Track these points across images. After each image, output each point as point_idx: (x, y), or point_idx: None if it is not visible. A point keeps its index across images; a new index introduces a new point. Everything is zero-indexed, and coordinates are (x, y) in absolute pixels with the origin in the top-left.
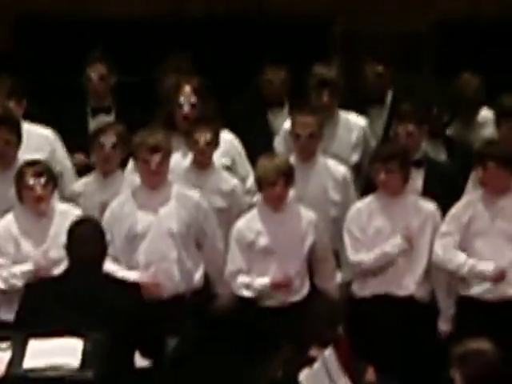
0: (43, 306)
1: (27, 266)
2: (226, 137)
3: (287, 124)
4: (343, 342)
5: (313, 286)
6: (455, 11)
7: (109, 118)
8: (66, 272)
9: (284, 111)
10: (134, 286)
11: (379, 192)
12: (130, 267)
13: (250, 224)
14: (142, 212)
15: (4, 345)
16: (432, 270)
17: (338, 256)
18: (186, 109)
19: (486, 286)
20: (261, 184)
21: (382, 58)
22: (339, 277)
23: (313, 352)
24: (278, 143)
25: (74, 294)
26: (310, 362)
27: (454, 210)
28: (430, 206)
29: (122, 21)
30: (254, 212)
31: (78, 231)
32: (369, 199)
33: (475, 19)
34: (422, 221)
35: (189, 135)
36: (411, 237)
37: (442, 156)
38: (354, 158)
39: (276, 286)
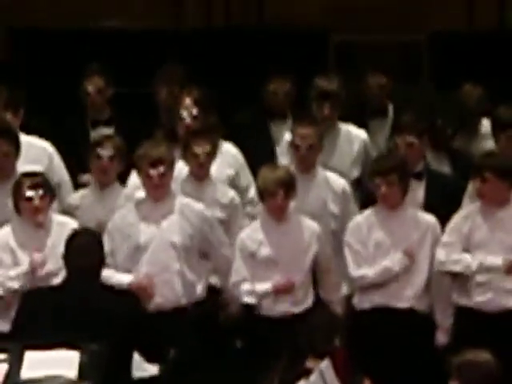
0: (40, 316)
1: (22, 268)
2: (230, 149)
3: (288, 135)
4: (340, 353)
5: (318, 297)
6: (453, 22)
7: (109, 130)
8: (64, 282)
9: (288, 123)
10: (132, 296)
11: (379, 205)
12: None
13: (252, 234)
14: (144, 224)
15: (1, 356)
16: (432, 281)
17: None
18: (188, 121)
19: (488, 296)
20: (262, 195)
21: (384, 69)
22: (345, 289)
23: (309, 363)
24: (281, 154)
25: (72, 304)
26: (307, 373)
27: (453, 222)
28: (429, 219)
29: (121, 32)
30: (257, 222)
31: (76, 242)
32: (368, 212)
33: (473, 30)
34: (422, 233)
35: (187, 148)
36: (413, 253)
37: (445, 168)
38: (355, 170)
39: (278, 291)
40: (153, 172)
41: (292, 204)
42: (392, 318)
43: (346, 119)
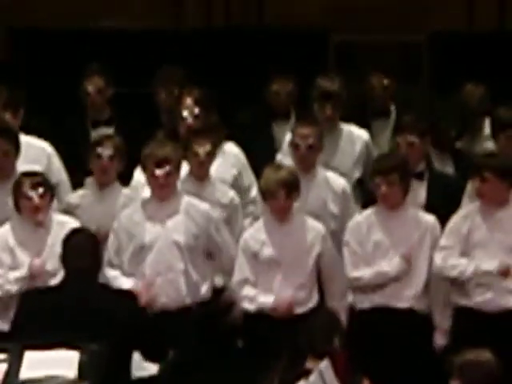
0: (39, 316)
1: (21, 272)
2: (233, 149)
3: (289, 136)
4: (339, 354)
5: (322, 297)
6: (453, 22)
7: (109, 130)
8: (62, 283)
9: (290, 123)
10: (131, 296)
11: (379, 205)
12: (137, 278)
13: (255, 234)
14: (150, 223)
15: (0, 356)
16: (431, 282)
17: None
18: (190, 121)
19: (488, 296)
20: (264, 195)
21: (384, 69)
22: (350, 298)
23: (309, 364)
24: (283, 154)
25: (70, 304)
26: (306, 373)
27: (452, 222)
28: (429, 219)
29: (122, 32)
30: (260, 222)
31: (73, 242)
32: (368, 212)
33: (473, 30)
34: (422, 234)
35: (188, 147)
36: (410, 257)
37: (449, 169)
38: (357, 171)
39: (275, 310)
40: (158, 172)
41: (296, 204)
42: (391, 318)
43: (348, 120)
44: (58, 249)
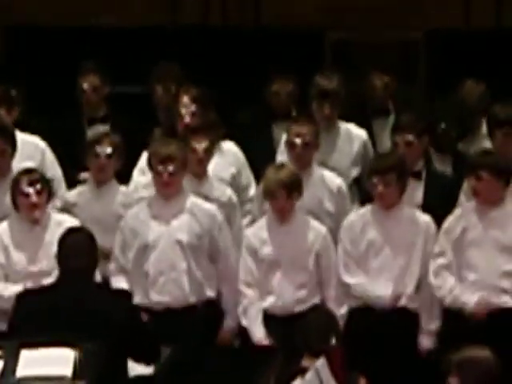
0: (35, 316)
1: (18, 288)
2: (231, 148)
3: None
4: (335, 352)
5: None
6: (450, 20)
7: (105, 128)
8: (57, 282)
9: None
10: (128, 296)
11: (375, 204)
12: (141, 277)
13: (257, 232)
14: (154, 222)
15: None
16: (422, 283)
17: None
18: (187, 119)
19: (479, 295)
20: (265, 195)
21: (381, 68)
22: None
23: (305, 362)
24: (281, 154)
25: (66, 304)
26: (303, 372)
27: (447, 222)
28: (424, 219)
29: (118, 30)
30: (263, 221)
31: (69, 241)
32: (363, 211)
33: (471, 28)
34: (416, 233)
35: (186, 144)
36: (398, 298)
37: (449, 170)
38: (355, 169)
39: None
40: (162, 169)
41: (298, 204)
42: (384, 317)
43: (348, 119)
44: (54, 248)
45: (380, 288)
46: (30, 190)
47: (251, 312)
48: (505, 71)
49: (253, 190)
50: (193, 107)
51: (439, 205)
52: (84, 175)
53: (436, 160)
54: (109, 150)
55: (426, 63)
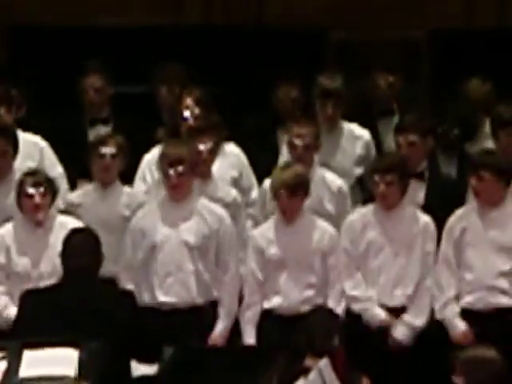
0: (39, 315)
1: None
2: (233, 149)
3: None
4: (338, 352)
5: None
6: (452, 20)
7: (107, 129)
8: (61, 281)
9: None
10: (130, 296)
11: (376, 204)
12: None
13: (264, 232)
14: (163, 223)
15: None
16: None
17: None
18: (191, 121)
19: (477, 295)
20: (271, 194)
21: (383, 67)
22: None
23: (308, 362)
24: (282, 156)
25: (69, 304)
26: (305, 371)
27: (449, 222)
28: (424, 219)
29: (120, 30)
30: (271, 221)
31: (73, 241)
32: (364, 210)
33: (472, 27)
34: (415, 233)
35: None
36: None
37: (454, 171)
38: (357, 169)
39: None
40: (171, 171)
41: (306, 204)
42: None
43: (352, 119)
44: (58, 250)
45: (376, 310)
46: (34, 192)
47: (248, 315)
48: (507, 70)
49: (255, 193)
50: (196, 110)
51: (440, 206)
52: (83, 184)
53: (441, 161)
54: (113, 150)
55: (428, 63)
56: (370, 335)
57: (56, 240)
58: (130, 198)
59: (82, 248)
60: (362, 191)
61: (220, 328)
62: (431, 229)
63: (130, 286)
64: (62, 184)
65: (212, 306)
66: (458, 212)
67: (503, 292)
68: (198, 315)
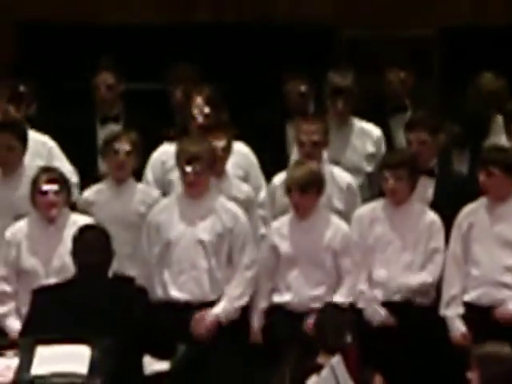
0: (51, 312)
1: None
2: (242, 149)
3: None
4: (351, 349)
5: None
6: (463, 17)
7: (117, 127)
8: (73, 278)
9: None
10: (143, 292)
11: (386, 199)
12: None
13: (279, 228)
14: (179, 220)
15: (12, 352)
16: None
17: None
18: (200, 119)
19: (483, 290)
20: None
21: (394, 64)
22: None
23: (320, 359)
24: (293, 153)
25: (81, 301)
26: (318, 369)
27: (458, 218)
28: (430, 216)
29: (131, 28)
30: (287, 217)
31: (84, 238)
32: (374, 205)
33: (483, 25)
34: (421, 230)
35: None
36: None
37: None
38: (368, 166)
39: None
40: (188, 169)
41: (322, 201)
42: (392, 312)
43: (364, 116)
44: (68, 248)
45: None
46: (48, 188)
47: (258, 304)
48: None
49: (263, 193)
50: (206, 109)
51: (449, 202)
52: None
53: (454, 158)
54: (128, 147)
55: (439, 60)
56: (381, 332)
57: (68, 238)
58: (145, 195)
59: (95, 245)
60: (372, 189)
61: (216, 309)
62: (437, 226)
63: (145, 283)
64: (73, 178)
65: None
66: (467, 208)
67: (508, 287)
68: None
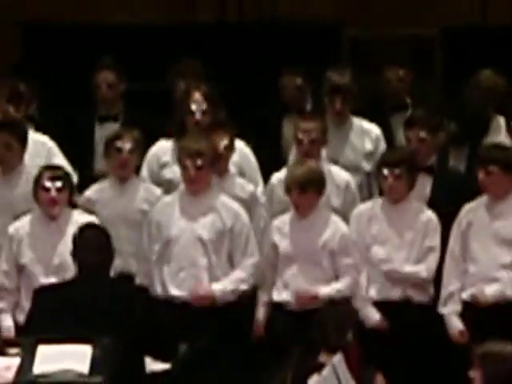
0: (52, 311)
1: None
2: (239, 148)
3: None
4: (352, 348)
5: None
6: (466, 16)
7: (115, 126)
8: (74, 278)
9: None
10: (144, 291)
11: (384, 197)
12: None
13: (280, 225)
14: (179, 217)
15: (14, 350)
16: None
17: None
18: (198, 115)
19: (480, 287)
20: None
21: (402, 62)
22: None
23: (322, 358)
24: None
25: (82, 300)
26: (319, 367)
27: (458, 216)
28: (427, 214)
29: (131, 28)
30: (288, 215)
31: (84, 237)
32: (372, 203)
33: (486, 24)
34: (418, 228)
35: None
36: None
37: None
38: (367, 164)
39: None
40: (189, 164)
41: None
42: (387, 310)
43: (365, 115)
44: (69, 246)
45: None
46: (51, 185)
47: (262, 298)
48: None
49: (259, 192)
50: (204, 105)
51: (446, 200)
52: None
53: (452, 156)
54: (130, 145)
55: (442, 59)
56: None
57: (69, 236)
58: (148, 193)
59: (94, 244)
60: (370, 187)
61: (215, 284)
62: (434, 224)
63: (145, 281)
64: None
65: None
66: (467, 206)
67: (501, 281)
68: (210, 310)
